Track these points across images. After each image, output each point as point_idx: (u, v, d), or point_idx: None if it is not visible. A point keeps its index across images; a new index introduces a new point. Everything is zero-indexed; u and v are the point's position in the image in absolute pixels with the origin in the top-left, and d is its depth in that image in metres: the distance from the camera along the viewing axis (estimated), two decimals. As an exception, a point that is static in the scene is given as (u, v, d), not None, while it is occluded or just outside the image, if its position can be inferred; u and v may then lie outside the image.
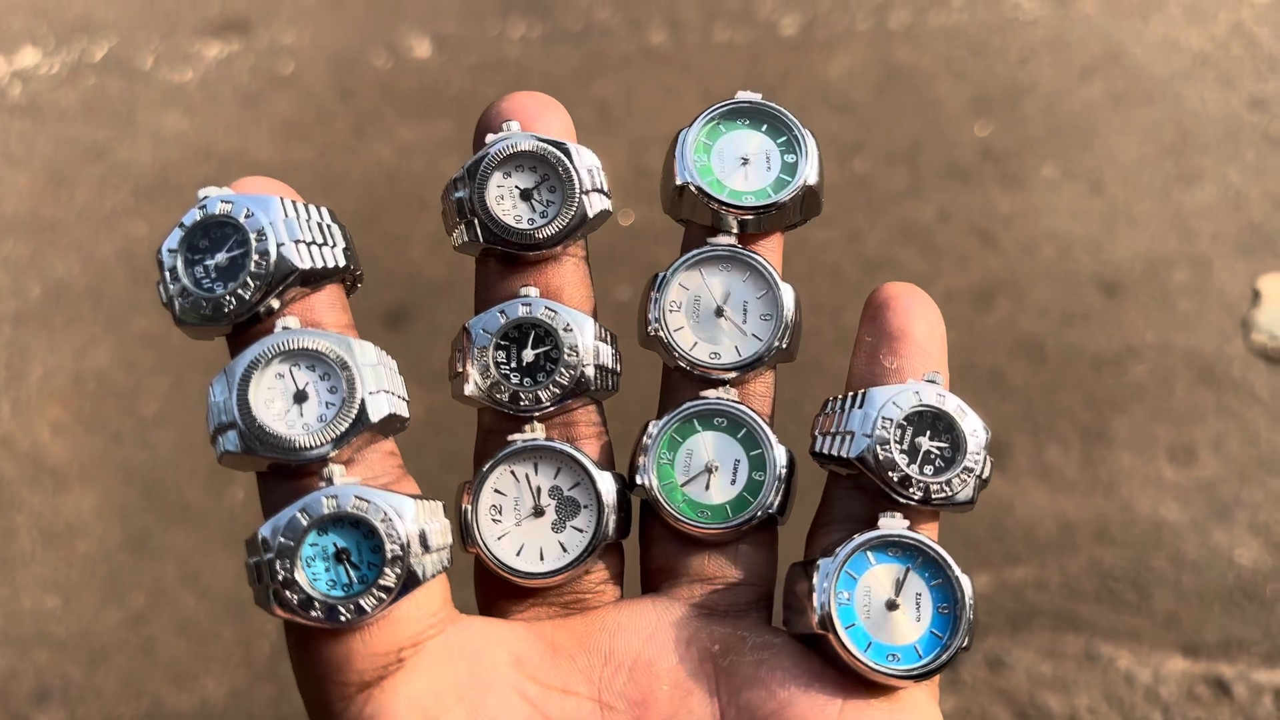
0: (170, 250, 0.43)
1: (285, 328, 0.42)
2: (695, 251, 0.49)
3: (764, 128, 0.49)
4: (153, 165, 1.78)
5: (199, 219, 0.43)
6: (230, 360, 0.43)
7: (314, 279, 0.43)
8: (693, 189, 0.48)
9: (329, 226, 0.44)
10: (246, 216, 0.42)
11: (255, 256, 0.41)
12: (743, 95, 0.49)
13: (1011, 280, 1.58)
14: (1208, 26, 1.91)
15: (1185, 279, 1.60)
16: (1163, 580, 1.35)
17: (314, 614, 0.40)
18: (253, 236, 0.42)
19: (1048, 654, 1.30)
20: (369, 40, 1.93)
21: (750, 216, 0.48)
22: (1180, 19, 1.92)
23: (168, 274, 0.43)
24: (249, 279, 0.42)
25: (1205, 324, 1.56)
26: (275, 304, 0.42)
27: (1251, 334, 1.55)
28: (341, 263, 0.44)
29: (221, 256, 0.42)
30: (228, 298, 0.42)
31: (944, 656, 0.43)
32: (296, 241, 0.42)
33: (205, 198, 0.44)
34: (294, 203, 0.43)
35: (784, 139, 0.49)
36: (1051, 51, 1.87)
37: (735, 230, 0.49)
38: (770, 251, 0.50)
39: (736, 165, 0.48)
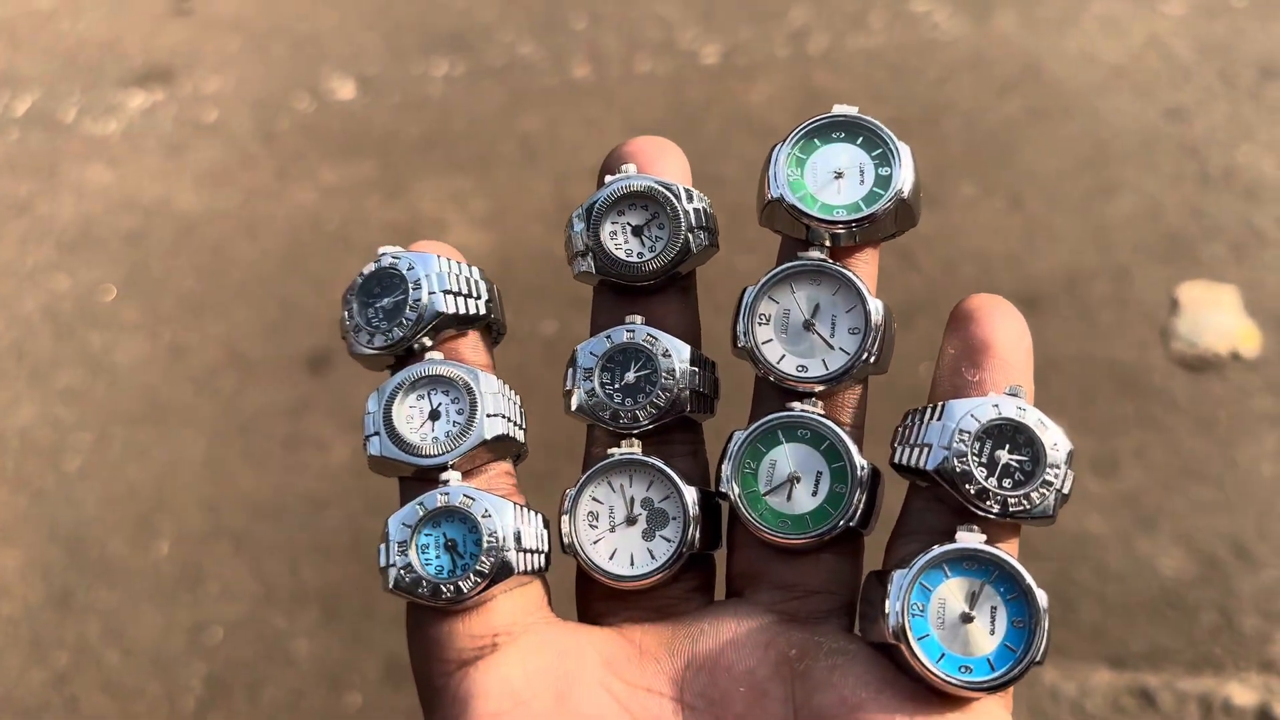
0: (351, 294, 0.51)
1: (430, 359, 0.50)
2: (785, 266, 0.49)
3: (859, 141, 0.49)
4: (76, 219, 1.78)
5: (374, 270, 0.51)
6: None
7: (458, 323, 0.51)
8: (784, 204, 0.48)
9: (476, 282, 0.52)
10: (409, 269, 0.50)
11: (411, 301, 0.49)
12: (838, 109, 0.49)
13: (932, 300, 1.60)
14: (1124, 40, 1.94)
15: (1105, 290, 1.62)
16: (1087, 592, 1.36)
17: (420, 591, 0.46)
18: (411, 286, 0.50)
19: (974, 672, 1.30)
20: (292, 84, 1.94)
21: (842, 230, 0.48)
22: (1097, 33, 1.95)
23: (346, 313, 0.51)
24: (404, 319, 0.49)
25: (1126, 335, 1.57)
26: (428, 341, 0.50)
27: (1171, 342, 1.56)
28: (482, 312, 0.51)
29: (388, 301, 0.50)
30: (390, 333, 0.50)
31: (1017, 670, 0.43)
32: (445, 291, 0.50)
33: (382, 254, 0.51)
34: (449, 260, 0.51)
35: (879, 151, 0.49)
36: (970, 70, 1.90)
37: (827, 244, 0.49)
38: (864, 265, 0.50)
39: (830, 179, 0.49)
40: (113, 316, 1.66)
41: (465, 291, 0.51)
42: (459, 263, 0.51)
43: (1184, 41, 1.92)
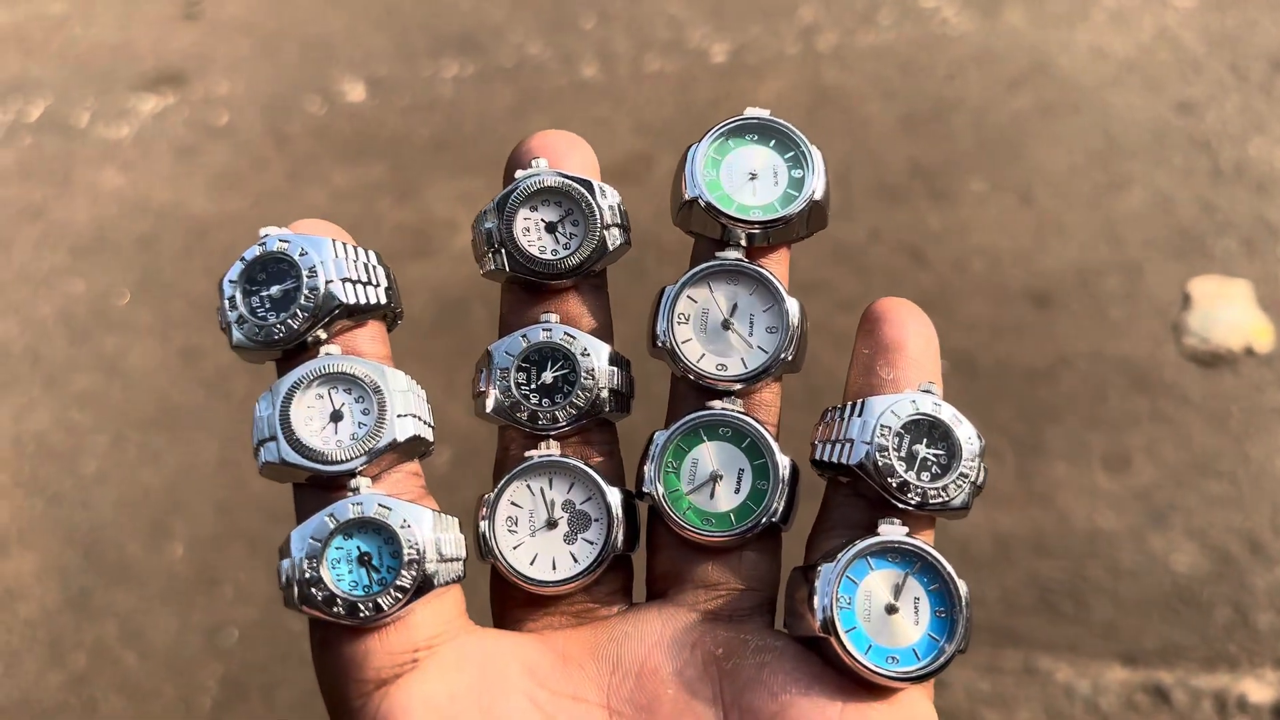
0: (231, 281, 0.46)
1: (327, 354, 0.46)
2: (703, 265, 0.50)
3: (771, 143, 0.50)
4: (90, 223, 1.79)
5: (258, 254, 0.46)
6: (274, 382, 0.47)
7: (357, 313, 0.47)
8: (701, 203, 0.48)
9: (374, 268, 0.48)
10: (301, 254, 0.46)
11: (306, 291, 0.45)
12: (751, 111, 0.50)
13: (942, 296, 1.59)
14: (1133, 33, 1.93)
15: (1116, 286, 1.61)
16: (1100, 589, 1.35)
17: (336, 610, 0.43)
18: (305, 273, 0.46)
19: (987, 670, 1.30)
20: (303, 87, 1.94)
21: (758, 230, 0.49)
22: (1106, 26, 1.94)
23: (226, 302, 0.46)
24: (299, 310, 0.45)
25: (1137, 330, 1.57)
26: (322, 334, 0.46)
27: (1183, 338, 1.56)
28: (383, 301, 0.48)
29: (276, 289, 0.46)
30: (279, 326, 0.45)
31: (941, 659, 0.44)
32: (344, 280, 0.46)
33: (265, 236, 0.47)
34: (344, 244, 0.47)
35: (791, 154, 0.49)
36: (979, 65, 1.89)
37: (743, 244, 0.49)
38: (776, 265, 0.50)
39: (745, 180, 0.49)
40: (126, 320, 1.67)
41: (364, 279, 0.47)
42: (354, 247, 0.48)
43: (1194, 34, 1.91)
